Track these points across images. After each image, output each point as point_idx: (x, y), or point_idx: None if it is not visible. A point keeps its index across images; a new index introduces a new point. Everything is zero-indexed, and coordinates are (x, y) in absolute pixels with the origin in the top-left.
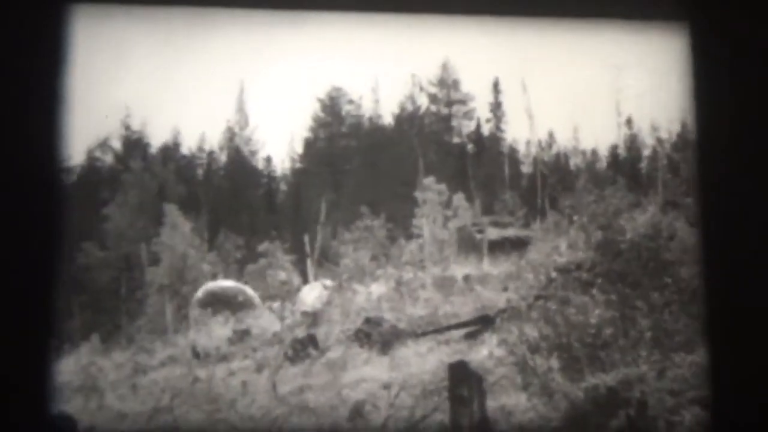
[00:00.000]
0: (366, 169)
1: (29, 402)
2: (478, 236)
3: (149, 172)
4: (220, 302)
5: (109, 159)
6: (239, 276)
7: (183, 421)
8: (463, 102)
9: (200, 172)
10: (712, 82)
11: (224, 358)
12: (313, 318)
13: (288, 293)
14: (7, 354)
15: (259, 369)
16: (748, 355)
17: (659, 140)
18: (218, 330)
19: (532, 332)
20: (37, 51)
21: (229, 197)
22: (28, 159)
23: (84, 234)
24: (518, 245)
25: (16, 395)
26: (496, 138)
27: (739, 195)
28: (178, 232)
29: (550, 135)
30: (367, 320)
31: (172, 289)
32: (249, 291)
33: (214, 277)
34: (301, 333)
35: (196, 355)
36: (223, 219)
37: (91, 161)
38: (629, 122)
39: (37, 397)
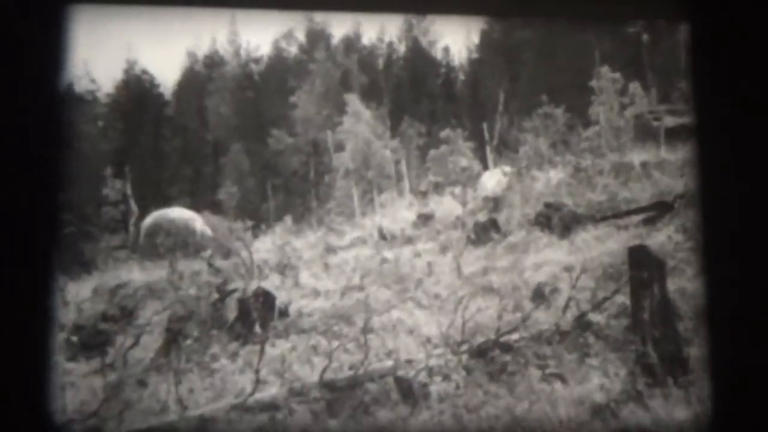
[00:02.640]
0: (542, 59)
1: (29, 401)
2: (655, 124)
3: (332, 62)
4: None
5: (294, 50)
6: (421, 162)
7: (373, 298)
8: None
9: (380, 62)
10: (712, 82)
11: (409, 240)
12: (494, 203)
13: (469, 179)
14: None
15: (444, 251)
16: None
17: None
18: (403, 213)
19: None
20: (37, 51)
21: (408, 86)
22: (28, 158)
23: (274, 121)
24: None
25: (16, 394)
26: (671, 27)
27: (739, 195)
28: (361, 120)
29: None
30: (547, 205)
31: (357, 173)
32: (199, 223)
33: (397, 163)
34: (482, 217)
35: (382, 237)
36: (404, 107)
37: (278, 51)
38: None
39: (38, 397)
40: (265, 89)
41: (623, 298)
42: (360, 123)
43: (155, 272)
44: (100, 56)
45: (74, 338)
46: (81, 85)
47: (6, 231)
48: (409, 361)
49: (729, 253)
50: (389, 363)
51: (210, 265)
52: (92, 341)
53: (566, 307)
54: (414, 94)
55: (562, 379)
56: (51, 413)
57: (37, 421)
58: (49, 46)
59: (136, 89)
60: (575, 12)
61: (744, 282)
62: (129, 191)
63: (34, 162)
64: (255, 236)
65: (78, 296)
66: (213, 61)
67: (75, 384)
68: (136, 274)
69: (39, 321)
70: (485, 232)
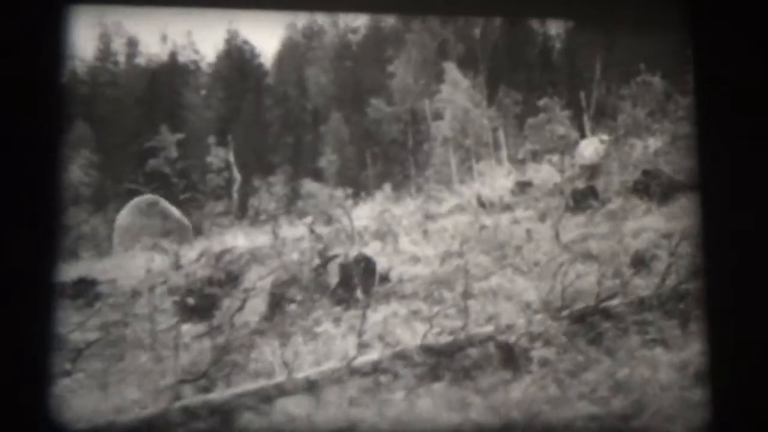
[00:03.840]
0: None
1: (29, 402)
2: None
3: (429, 32)
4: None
5: (391, 19)
6: (518, 130)
7: (472, 265)
8: None
9: (477, 31)
10: (712, 81)
11: (508, 207)
12: (592, 171)
13: (566, 147)
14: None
15: (542, 218)
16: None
17: None
18: (501, 181)
19: None
20: (37, 51)
21: (505, 55)
22: (27, 158)
23: (373, 90)
24: None
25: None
26: None
27: (739, 194)
28: (459, 88)
29: None
30: (645, 172)
31: (455, 141)
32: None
33: (495, 131)
34: (580, 185)
35: (481, 204)
36: (501, 76)
37: (375, 21)
38: None
39: (38, 397)
40: (362, 59)
41: None
42: (457, 91)
43: (258, 238)
44: (202, 26)
45: (184, 301)
46: (185, 55)
47: (6, 230)
48: (509, 327)
49: (730, 250)
50: (489, 328)
51: (312, 231)
52: (201, 304)
53: (666, 274)
54: (511, 62)
55: (664, 344)
56: (51, 413)
57: (37, 421)
58: (49, 46)
59: (238, 59)
60: (576, 12)
61: (744, 281)
62: (232, 159)
63: (33, 161)
64: (355, 203)
65: (187, 260)
66: (312, 31)
67: (187, 346)
68: (240, 240)
69: (39, 322)
70: (583, 199)
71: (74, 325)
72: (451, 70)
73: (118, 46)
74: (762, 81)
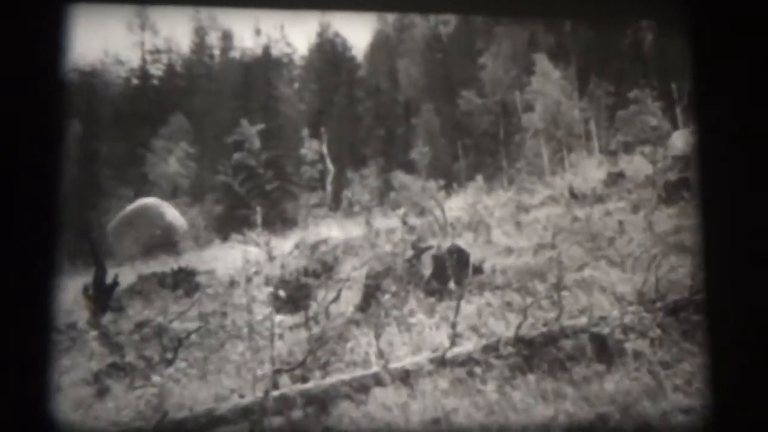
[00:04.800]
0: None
1: (30, 402)
2: None
3: (519, 24)
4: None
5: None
6: (610, 122)
7: (565, 256)
8: None
9: (567, 22)
10: (712, 81)
11: (600, 199)
12: (684, 162)
13: (658, 138)
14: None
15: (635, 210)
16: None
17: None
18: (593, 173)
19: None
20: (37, 51)
21: (596, 46)
22: (28, 158)
23: (463, 82)
24: None
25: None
26: None
27: (740, 194)
28: (550, 80)
29: None
30: None
31: (547, 133)
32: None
33: (586, 122)
34: (673, 176)
35: (573, 195)
36: (592, 67)
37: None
38: None
39: (38, 397)
40: (453, 51)
41: None
42: (548, 83)
43: (352, 229)
44: (295, 20)
45: (280, 292)
46: (278, 48)
47: (5, 228)
48: (603, 318)
49: (730, 248)
50: (583, 320)
51: (404, 222)
52: (296, 295)
53: None
54: (601, 54)
55: None
56: (51, 413)
57: (38, 421)
58: (49, 46)
59: (330, 52)
60: (575, 12)
61: (745, 280)
62: (325, 151)
63: (33, 161)
64: (447, 195)
65: (281, 251)
66: (402, 24)
67: (283, 336)
68: (334, 231)
69: (39, 321)
70: (676, 191)
71: (174, 315)
72: (542, 61)
73: (213, 39)
74: None
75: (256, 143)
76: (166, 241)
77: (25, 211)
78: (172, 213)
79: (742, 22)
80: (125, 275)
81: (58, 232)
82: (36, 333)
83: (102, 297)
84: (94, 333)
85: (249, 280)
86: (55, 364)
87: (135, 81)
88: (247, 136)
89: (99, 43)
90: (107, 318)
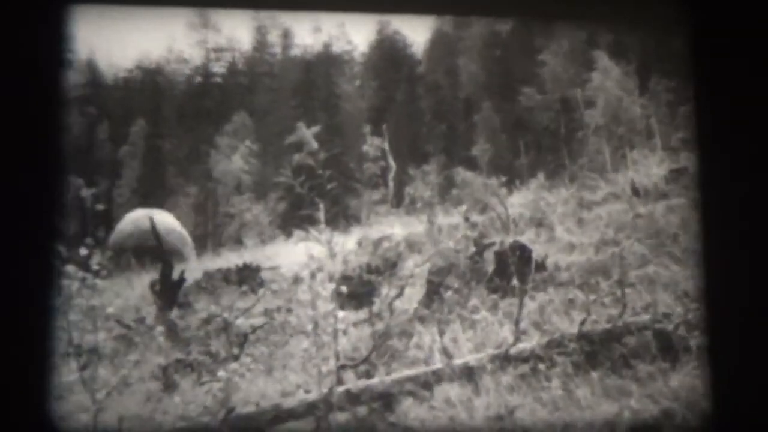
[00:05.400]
0: None
1: (30, 402)
2: None
3: (574, 23)
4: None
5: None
6: (671, 118)
7: (628, 252)
8: None
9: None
10: (712, 81)
11: (662, 195)
12: None
13: None
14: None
15: (697, 206)
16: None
17: None
18: (654, 169)
19: None
20: (37, 51)
21: (655, 44)
22: (28, 158)
23: (523, 79)
24: None
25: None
26: None
27: (739, 194)
28: (610, 76)
29: None
30: None
31: (608, 129)
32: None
33: (647, 119)
34: None
35: (635, 192)
36: (652, 64)
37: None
38: None
39: (38, 397)
40: (512, 48)
41: None
42: (609, 80)
43: (414, 226)
44: (354, 17)
45: (343, 288)
46: (338, 46)
47: (6, 228)
48: (666, 315)
49: (731, 248)
50: (646, 317)
51: (466, 219)
52: (359, 291)
53: None
54: (660, 51)
55: None
56: (51, 413)
57: (37, 420)
58: (49, 46)
59: (389, 49)
60: (575, 13)
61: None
62: (387, 148)
63: (33, 161)
64: (509, 192)
65: (344, 248)
66: (461, 22)
67: (347, 332)
68: (396, 228)
69: (39, 321)
70: None
71: (240, 311)
72: (602, 58)
73: (274, 37)
74: None
75: (314, 144)
76: (162, 250)
77: (26, 212)
78: (164, 222)
79: (741, 23)
80: (191, 271)
81: (58, 232)
82: (36, 335)
83: (169, 293)
84: (161, 328)
85: (312, 276)
86: (55, 365)
87: (198, 79)
88: (304, 138)
89: (163, 41)
90: (174, 314)
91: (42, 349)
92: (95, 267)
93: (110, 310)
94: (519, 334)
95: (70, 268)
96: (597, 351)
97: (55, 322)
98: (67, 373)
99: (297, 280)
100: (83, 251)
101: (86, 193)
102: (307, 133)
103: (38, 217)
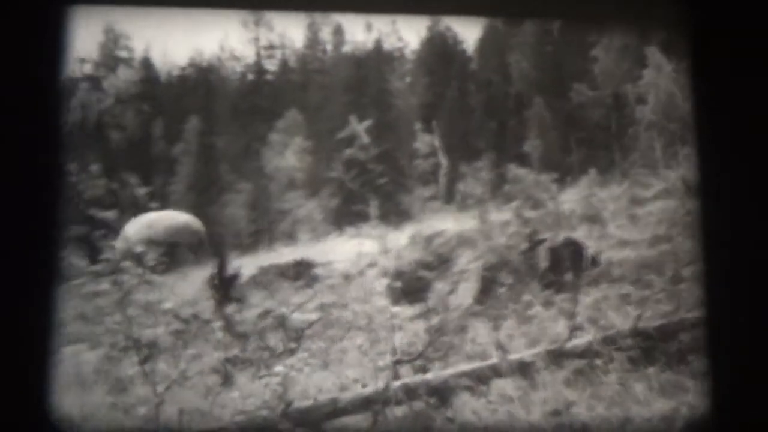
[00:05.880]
0: None
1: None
2: None
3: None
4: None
5: None
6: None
7: (681, 249)
8: None
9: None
10: (712, 82)
11: None
12: None
13: None
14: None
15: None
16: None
17: None
18: None
19: None
20: (37, 51)
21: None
22: (27, 159)
23: (575, 75)
24: None
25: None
26: None
27: (739, 194)
28: (662, 73)
29: None
30: None
31: (660, 126)
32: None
33: None
34: None
35: (687, 188)
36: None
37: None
38: None
39: (38, 396)
40: (563, 44)
41: None
42: (661, 76)
43: (466, 222)
44: (405, 15)
45: (397, 283)
46: (389, 42)
47: (6, 228)
48: None
49: (730, 251)
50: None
51: (519, 215)
52: (413, 287)
53: None
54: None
55: None
56: (51, 413)
57: (37, 420)
58: (49, 46)
59: (441, 45)
60: (574, 13)
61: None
62: (438, 144)
63: (33, 160)
64: (561, 188)
65: (397, 244)
66: (512, 18)
67: (402, 327)
68: (449, 224)
69: (40, 320)
70: None
71: (295, 306)
72: (655, 54)
73: (326, 34)
74: None
75: (365, 139)
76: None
77: (26, 212)
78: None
79: (741, 23)
80: (247, 267)
81: (58, 232)
82: (36, 333)
83: (225, 288)
84: (219, 323)
85: (365, 272)
86: (55, 365)
87: (250, 76)
88: (356, 132)
89: (215, 40)
90: (231, 308)
91: (42, 346)
92: (151, 263)
93: (168, 305)
94: (574, 330)
95: (128, 264)
96: (653, 347)
97: (55, 320)
98: (128, 366)
99: (350, 275)
100: (139, 248)
101: (141, 190)
102: (359, 127)
103: (38, 216)
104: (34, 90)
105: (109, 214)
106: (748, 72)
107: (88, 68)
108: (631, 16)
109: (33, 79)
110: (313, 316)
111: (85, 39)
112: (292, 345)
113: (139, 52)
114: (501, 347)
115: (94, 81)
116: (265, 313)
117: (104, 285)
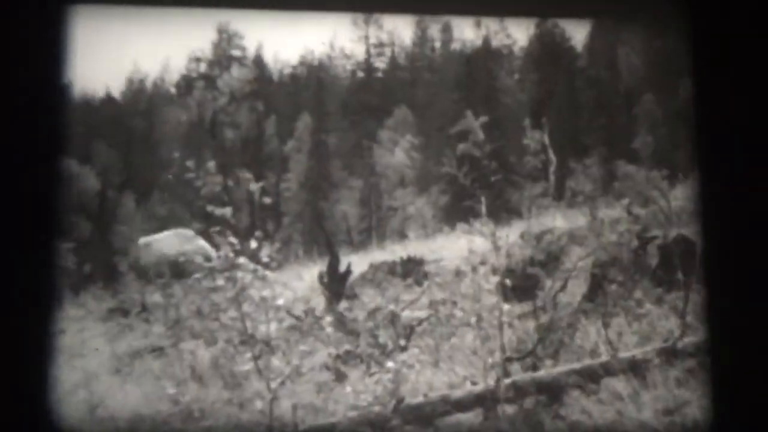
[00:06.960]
0: None
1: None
2: None
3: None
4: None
5: None
6: None
7: None
8: None
9: None
10: (712, 82)
11: None
12: None
13: None
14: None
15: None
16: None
17: None
18: None
19: None
20: (37, 51)
21: None
22: (28, 159)
23: (684, 70)
24: None
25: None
26: None
27: (739, 194)
28: None
29: None
30: None
31: None
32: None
33: None
34: None
35: None
36: None
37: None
38: None
39: (38, 396)
40: (673, 39)
41: None
42: None
43: (576, 219)
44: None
45: (507, 281)
46: (497, 40)
47: (6, 228)
48: None
49: (730, 252)
50: None
51: (629, 212)
52: (522, 284)
53: None
54: None
55: None
56: (51, 412)
57: (37, 420)
58: (49, 46)
59: (549, 42)
60: (574, 12)
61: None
62: (547, 141)
63: (33, 160)
64: (672, 185)
65: (507, 241)
66: None
67: (512, 324)
68: (559, 221)
69: (40, 319)
70: None
71: (405, 303)
72: None
73: (434, 32)
74: None
75: (480, 135)
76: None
77: (26, 212)
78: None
79: (741, 23)
80: (357, 264)
81: (58, 232)
82: (37, 334)
83: (336, 285)
84: (330, 319)
85: (475, 269)
86: (56, 364)
87: (360, 74)
88: (471, 127)
89: (326, 38)
90: (342, 305)
91: (42, 345)
92: (265, 259)
93: (280, 301)
94: (685, 328)
95: (243, 260)
96: None
97: (56, 319)
98: (242, 362)
99: (460, 273)
100: (253, 244)
101: (254, 186)
102: (475, 123)
103: (38, 217)
104: (34, 90)
105: (225, 211)
106: (749, 70)
107: (203, 67)
108: (629, 16)
109: (33, 80)
110: (423, 314)
111: (199, 38)
112: (403, 342)
113: (251, 51)
114: (611, 345)
115: (209, 80)
116: (376, 310)
117: (220, 281)
